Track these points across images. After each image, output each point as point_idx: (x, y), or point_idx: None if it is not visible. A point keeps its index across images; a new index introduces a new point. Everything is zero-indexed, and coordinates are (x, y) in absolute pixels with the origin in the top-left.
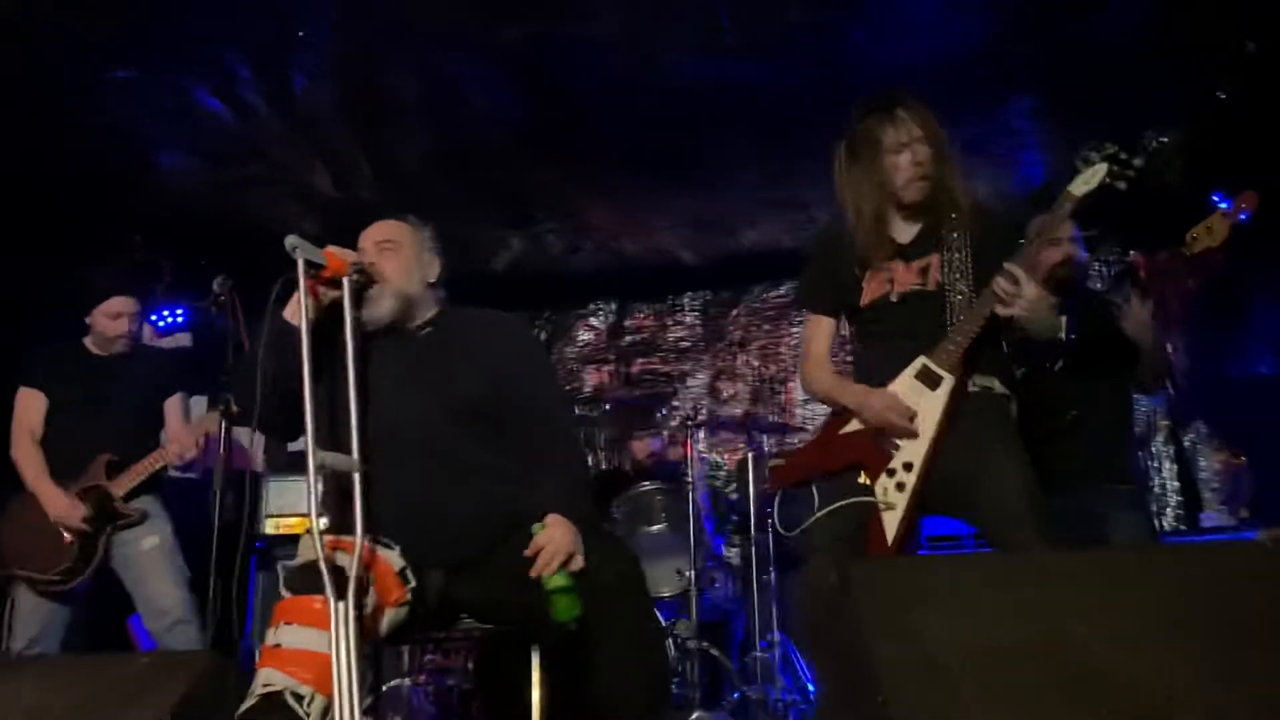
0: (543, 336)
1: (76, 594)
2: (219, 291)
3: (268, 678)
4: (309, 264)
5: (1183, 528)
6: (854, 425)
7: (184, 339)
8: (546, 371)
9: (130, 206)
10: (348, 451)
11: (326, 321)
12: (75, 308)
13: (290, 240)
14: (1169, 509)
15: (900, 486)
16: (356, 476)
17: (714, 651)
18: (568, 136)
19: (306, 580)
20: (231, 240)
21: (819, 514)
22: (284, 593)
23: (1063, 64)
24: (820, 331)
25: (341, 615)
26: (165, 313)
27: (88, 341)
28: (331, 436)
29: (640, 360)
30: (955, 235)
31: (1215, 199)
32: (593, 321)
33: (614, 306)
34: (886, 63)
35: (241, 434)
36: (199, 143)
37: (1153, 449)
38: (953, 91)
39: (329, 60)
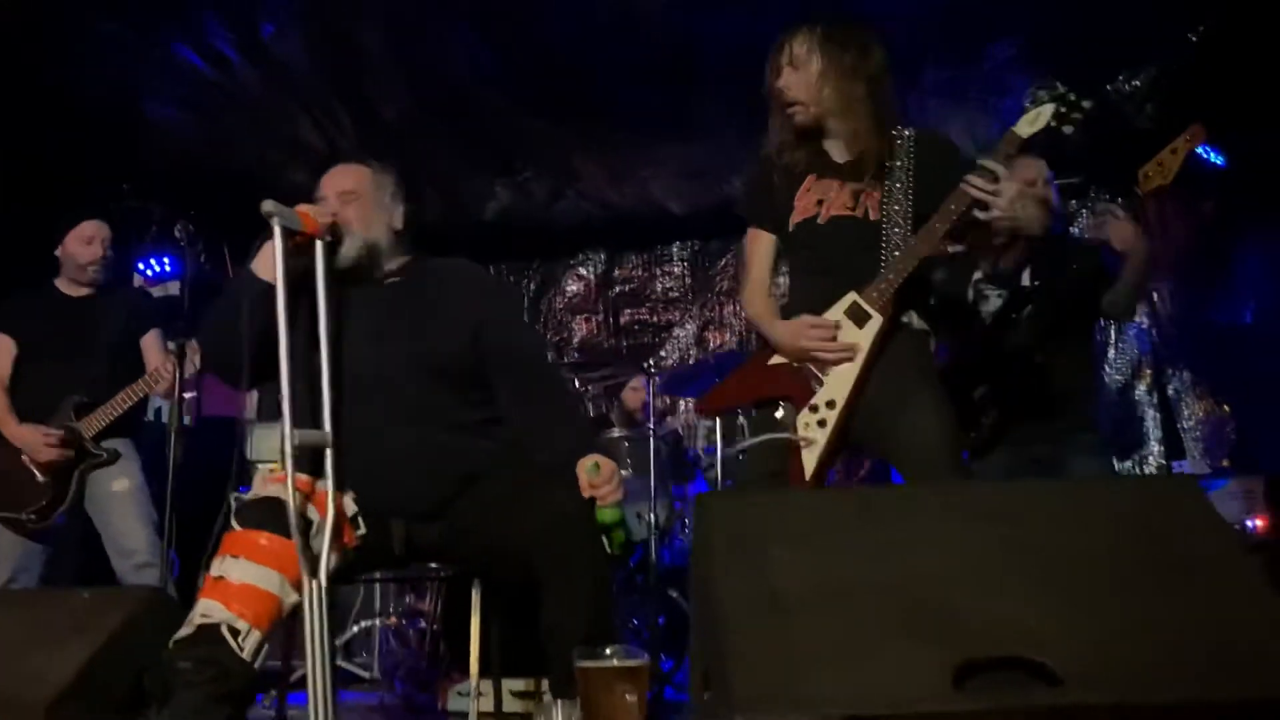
0: (532, 287)
1: (53, 533)
2: (180, 236)
3: (206, 609)
4: (286, 229)
5: None
6: (780, 357)
7: (172, 288)
8: (522, 318)
9: (119, 159)
10: (321, 410)
11: (296, 277)
12: (49, 248)
13: (267, 205)
14: (1151, 457)
15: (822, 423)
16: (329, 452)
17: (673, 593)
18: (548, 87)
19: (257, 515)
20: (219, 191)
21: (748, 442)
22: (234, 524)
23: (1039, 9)
24: (760, 248)
25: (315, 595)
26: (153, 261)
27: (59, 282)
28: (304, 394)
29: (629, 310)
30: (898, 163)
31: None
32: (581, 271)
33: (603, 257)
34: (862, 8)
35: None
36: (183, 96)
37: (1135, 397)
38: (929, 37)
39: (297, 9)
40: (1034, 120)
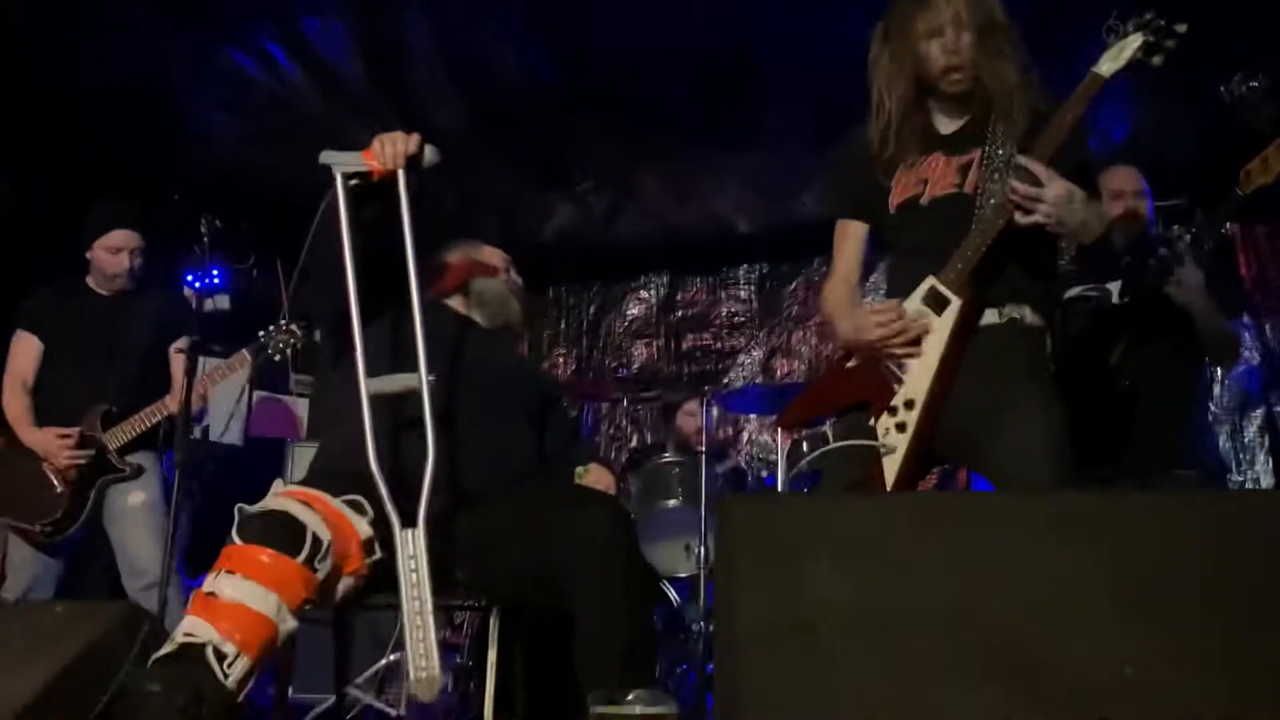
0: (591, 310)
1: (68, 547)
2: (205, 231)
3: (191, 626)
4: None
5: None
6: (856, 359)
7: (222, 301)
8: None
9: (170, 167)
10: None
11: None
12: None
13: (325, 156)
14: None
15: (901, 427)
16: (426, 396)
17: None
18: (605, 93)
19: (261, 529)
20: (272, 202)
21: (811, 456)
22: (234, 538)
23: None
24: (848, 240)
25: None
26: (201, 274)
27: (90, 280)
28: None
29: (691, 335)
30: (1003, 129)
31: None
32: (643, 294)
33: (665, 279)
34: None
35: (287, 398)
36: (228, 98)
37: (1245, 439)
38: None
39: (349, 15)
40: (1118, 55)
